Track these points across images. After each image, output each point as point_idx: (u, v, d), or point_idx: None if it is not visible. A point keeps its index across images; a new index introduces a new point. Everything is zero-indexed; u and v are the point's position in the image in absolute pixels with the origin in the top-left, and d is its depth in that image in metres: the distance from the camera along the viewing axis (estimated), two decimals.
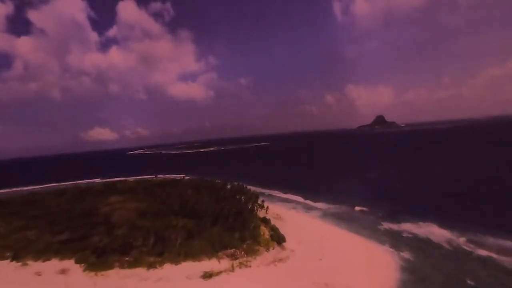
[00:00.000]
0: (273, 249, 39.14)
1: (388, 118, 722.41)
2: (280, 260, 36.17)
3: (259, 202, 54.83)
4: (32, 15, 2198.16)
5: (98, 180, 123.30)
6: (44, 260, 37.62)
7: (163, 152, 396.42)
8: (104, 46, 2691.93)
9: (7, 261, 38.13)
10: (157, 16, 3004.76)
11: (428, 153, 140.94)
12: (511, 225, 42.44)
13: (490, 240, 39.25)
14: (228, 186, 62.58)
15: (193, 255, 36.27)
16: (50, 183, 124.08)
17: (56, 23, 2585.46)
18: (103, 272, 33.69)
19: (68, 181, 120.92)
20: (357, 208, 58.75)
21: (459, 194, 62.37)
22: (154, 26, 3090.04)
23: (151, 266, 34.48)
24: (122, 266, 34.77)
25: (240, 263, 34.95)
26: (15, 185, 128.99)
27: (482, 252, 36.33)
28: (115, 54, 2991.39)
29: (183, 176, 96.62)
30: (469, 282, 30.26)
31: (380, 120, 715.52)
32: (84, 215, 47.28)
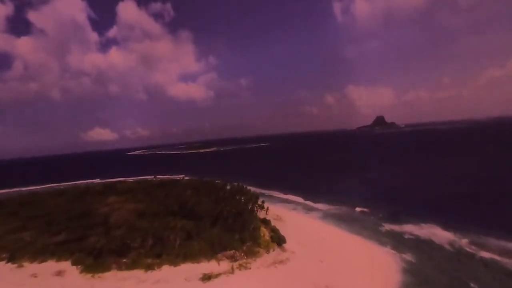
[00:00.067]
0: (273, 250, 38.62)
1: (388, 118, 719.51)
2: (281, 262, 35.67)
3: (259, 203, 54.21)
4: (32, 15, 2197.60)
5: (97, 180, 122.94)
6: (41, 262, 36.92)
7: (163, 152, 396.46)
8: (104, 46, 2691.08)
9: (3, 262, 37.51)
10: (157, 16, 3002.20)
11: (428, 154, 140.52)
12: None
13: (493, 241, 38.87)
14: (228, 187, 61.98)
15: (192, 256, 35.66)
16: (50, 184, 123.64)
17: (56, 23, 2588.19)
18: (100, 274, 33.11)
19: (68, 182, 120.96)
20: (357, 209, 58.44)
21: (460, 195, 61.97)
22: (154, 27, 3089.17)
23: (149, 268, 33.88)
24: (119, 268, 34.15)
25: (240, 265, 34.41)
26: (15, 185, 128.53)
27: (485, 254, 35.93)
28: (115, 55, 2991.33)
29: (183, 177, 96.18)
30: (472, 285, 29.80)
31: (380, 120, 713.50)
32: (83, 215, 46.72)
